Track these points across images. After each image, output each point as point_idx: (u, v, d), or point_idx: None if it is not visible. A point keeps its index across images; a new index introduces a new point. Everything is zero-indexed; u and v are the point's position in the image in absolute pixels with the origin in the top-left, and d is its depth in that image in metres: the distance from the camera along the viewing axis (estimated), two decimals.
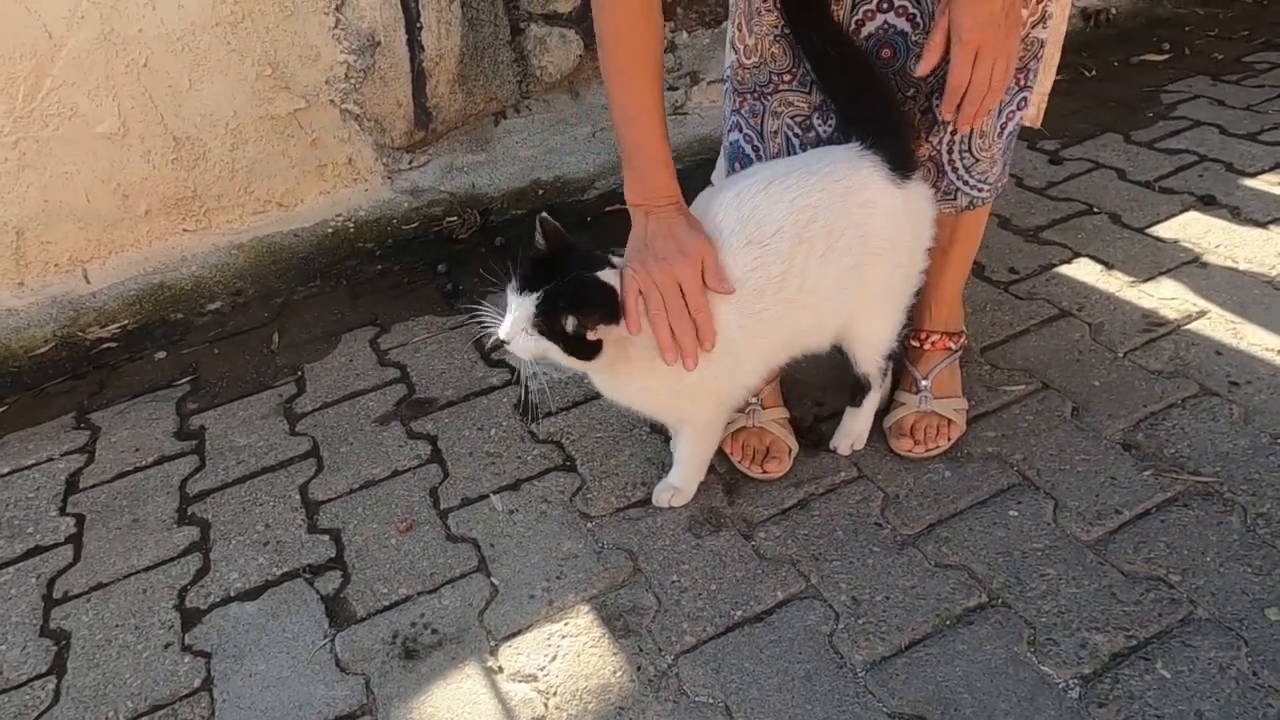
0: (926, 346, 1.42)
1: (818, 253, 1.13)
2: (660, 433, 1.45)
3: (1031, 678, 1.04)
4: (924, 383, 1.39)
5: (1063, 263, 1.76)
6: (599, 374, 1.21)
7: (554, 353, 1.11)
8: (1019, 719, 1.00)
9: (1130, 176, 2.02)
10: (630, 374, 1.18)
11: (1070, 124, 2.26)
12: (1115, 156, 2.12)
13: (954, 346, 1.43)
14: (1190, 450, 1.31)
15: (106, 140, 1.99)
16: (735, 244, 1.13)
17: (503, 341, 1.12)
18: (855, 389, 1.35)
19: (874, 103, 1.18)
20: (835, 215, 1.14)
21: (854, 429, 1.38)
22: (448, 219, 2.22)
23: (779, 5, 1.18)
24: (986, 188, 1.29)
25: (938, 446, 1.35)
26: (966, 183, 1.28)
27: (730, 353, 1.15)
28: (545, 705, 1.09)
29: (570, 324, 1.09)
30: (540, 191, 2.30)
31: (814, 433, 1.44)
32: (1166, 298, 1.62)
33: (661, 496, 1.33)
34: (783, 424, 1.40)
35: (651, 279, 1.11)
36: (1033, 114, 1.35)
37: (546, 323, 1.09)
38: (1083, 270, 1.73)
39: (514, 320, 1.11)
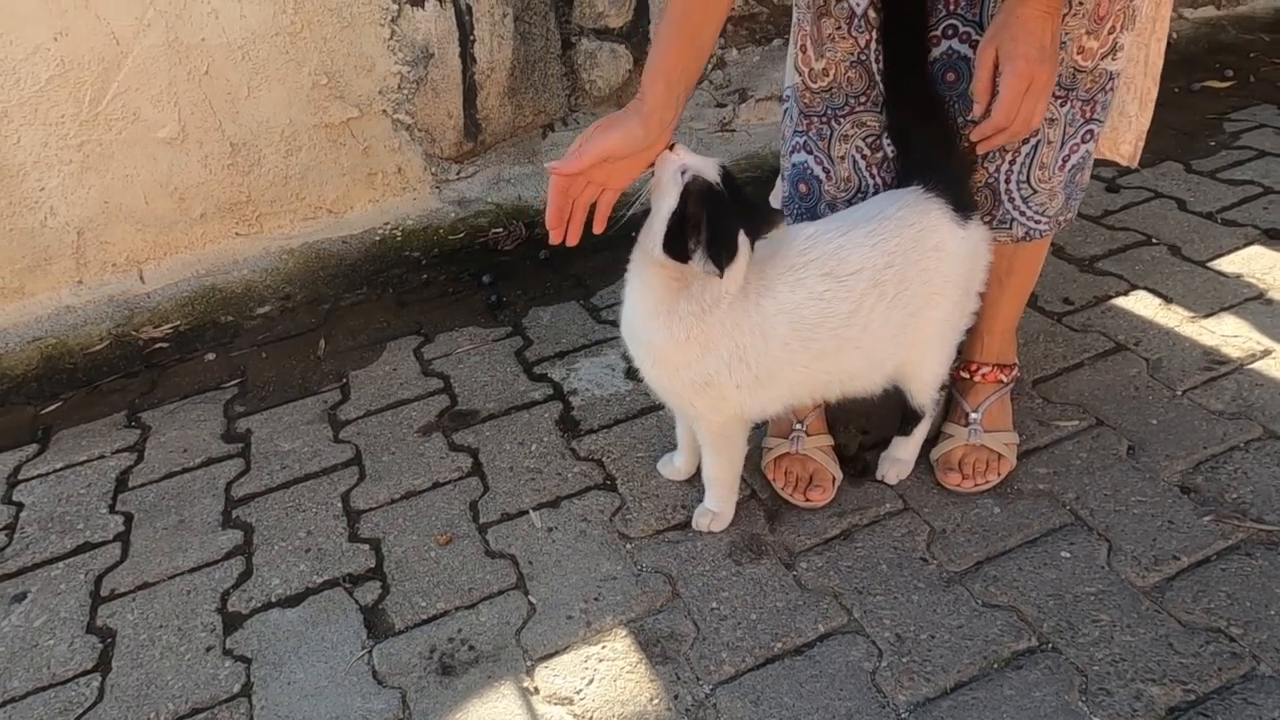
0: (977, 379, 1.39)
1: (887, 297, 1.15)
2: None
3: None
4: (974, 415, 1.36)
5: (1119, 294, 1.71)
6: (631, 297, 1.21)
7: (662, 212, 1.11)
8: None
9: (1191, 207, 1.97)
10: (667, 347, 1.16)
11: None
12: (1175, 186, 2.06)
13: (1005, 379, 1.40)
14: (1253, 496, 1.26)
15: (166, 145, 2.04)
16: (813, 273, 1.14)
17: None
18: (905, 417, 1.33)
19: (938, 145, 1.19)
20: (908, 261, 1.15)
21: (902, 457, 1.36)
22: (494, 230, 2.24)
23: (877, 35, 1.18)
24: (1045, 220, 1.26)
25: (987, 482, 1.32)
26: (1023, 213, 1.25)
27: (764, 364, 1.15)
28: None
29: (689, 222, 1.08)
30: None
31: (858, 461, 1.42)
32: (1229, 335, 1.57)
33: (700, 521, 1.32)
34: (827, 451, 1.38)
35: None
36: (1129, 152, 1.33)
37: (697, 197, 1.08)
38: (1140, 303, 1.69)
39: (675, 160, 1.11)
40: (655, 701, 1.10)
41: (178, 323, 2.04)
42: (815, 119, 1.25)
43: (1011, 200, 1.24)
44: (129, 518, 1.51)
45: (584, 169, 1.10)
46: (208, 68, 2.00)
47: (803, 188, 1.31)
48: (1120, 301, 1.70)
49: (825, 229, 1.18)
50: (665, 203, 1.09)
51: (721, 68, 2.56)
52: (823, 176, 1.28)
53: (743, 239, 1.08)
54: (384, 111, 2.21)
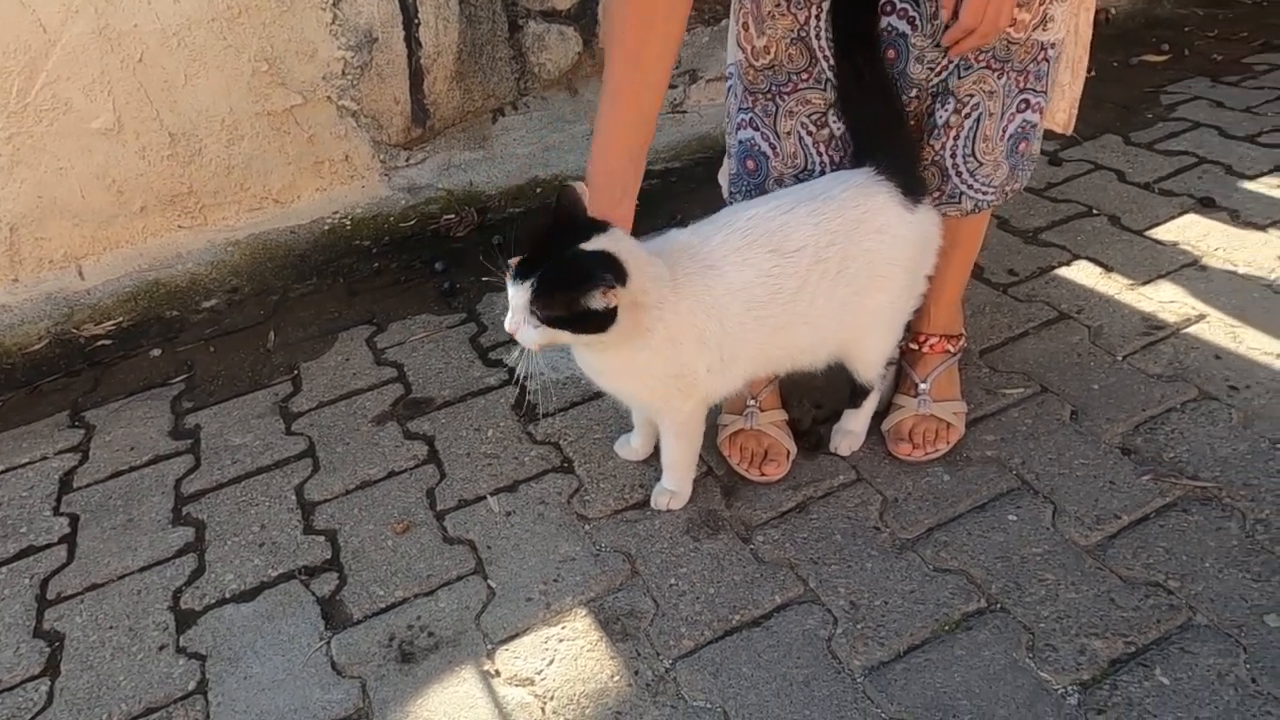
0: (925, 349, 1.41)
1: (830, 274, 1.17)
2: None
3: (1030, 684, 1.04)
4: (923, 386, 1.39)
5: (1062, 265, 1.76)
6: (591, 351, 1.16)
7: (561, 336, 1.08)
8: None
9: (1130, 178, 2.02)
10: (629, 348, 1.13)
11: None
12: (1115, 158, 2.11)
13: (953, 349, 1.42)
14: (1189, 455, 1.30)
15: (101, 136, 1.98)
16: (759, 250, 1.15)
17: (510, 332, 1.09)
18: (855, 391, 1.35)
19: (890, 127, 1.21)
20: (850, 242, 1.17)
21: (853, 429, 1.38)
22: (445, 217, 2.21)
23: (818, 11, 1.18)
24: (992, 191, 1.28)
25: (936, 450, 1.35)
26: (971, 186, 1.27)
27: (725, 345, 1.17)
28: (542, 710, 1.09)
29: (585, 302, 1.04)
30: (539, 189, 2.29)
31: (812, 435, 1.44)
32: (1166, 301, 1.62)
33: (660, 500, 1.33)
34: (781, 426, 1.40)
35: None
36: (1064, 120, 1.35)
37: (545, 307, 1.05)
38: (1082, 272, 1.73)
39: (516, 310, 1.07)
40: (616, 678, 1.11)
41: (120, 319, 1.99)
42: (760, 96, 1.26)
43: (959, 174, 1.26)
44: (75, 519, 1.47)
45: None
46: (141, 55, 1.95)
47: (750, 164, 1.31)
48: (1063, 271, 1.74)
49: (768, 207, 1.19)
50: (547, 332, 1.07)
51: None
52: (770, 153, 1.29)
53: (611, 237, 1.08)
54: (328, 98, 2.17)
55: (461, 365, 1.71)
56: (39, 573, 1.38)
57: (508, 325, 1.09)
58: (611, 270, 1.04)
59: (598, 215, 1.11)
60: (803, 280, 1.16)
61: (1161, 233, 1.81)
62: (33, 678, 1.22)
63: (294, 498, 1.45)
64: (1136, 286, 1.67)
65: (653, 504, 1.33)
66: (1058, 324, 1.60)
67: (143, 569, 1.36)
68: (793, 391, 1.50)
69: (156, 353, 1.89)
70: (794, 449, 1.39)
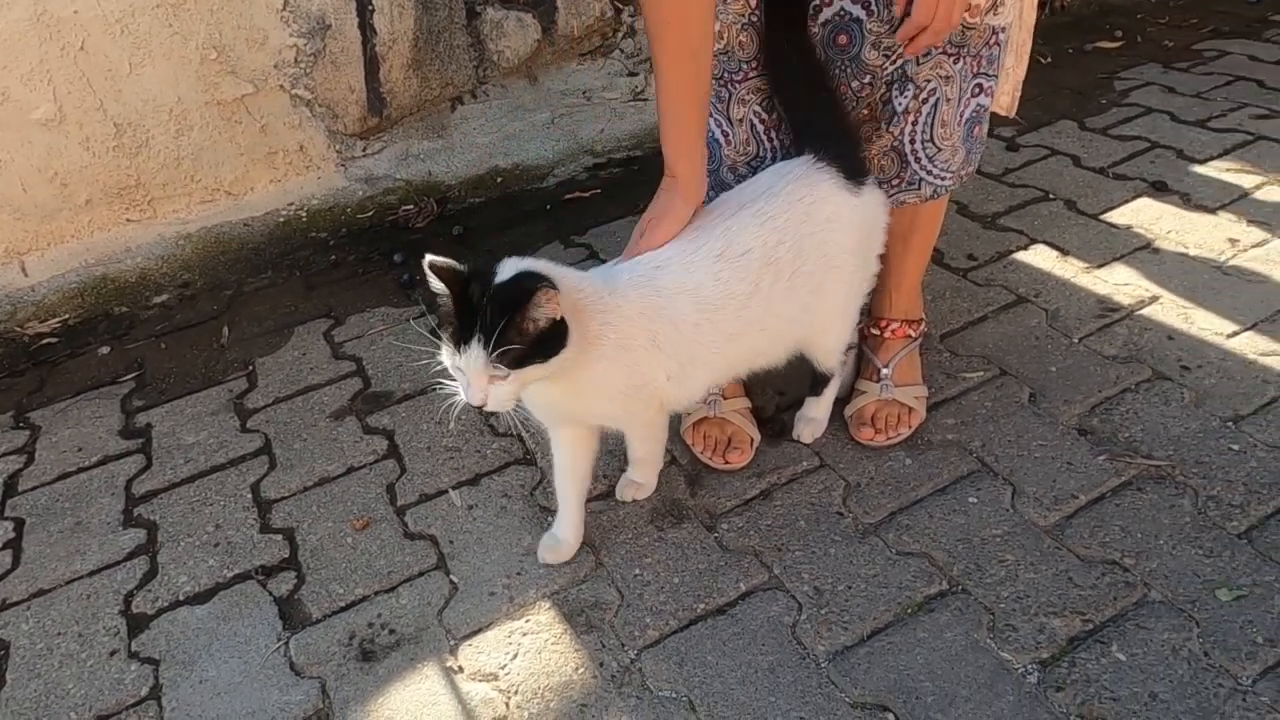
0: (887, 334, 1.42)
1: (784, 277, 1.14)
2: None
3: (991, 664, 1.05)
4: (884, 371, 1.39)
5: (1020, 249, 1.77)
6: (551, 380, 1.05)
7: (532, 374, 1.00)
8: (979, 705, 1.01)
9: (1085, 163, 2.05)
10: (586, 363, 1.06)
11: (1026, 110, 2.25)
12: (1070, 143, 2.14)
13: (914, 334, 1.43)
14: (1144, 434, 1.32)
15: (42, 127, 1.91)
16: (707, 257, 1.12)
17: (478, 407, 1.01)
18: (816, 378, 1.35)
19: (826, 111, 1.19)
20: (800, 237, 1.15)
21: (815, 416, 1.38)
22: (404, 207, 2.18)
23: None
24: (950, 176, 1.29)
25: (899, 434, 1.35)
26: (930, 171, 1.27)
27: (681, 349, 1.13)
28: (507, 704, 1.08)
29: (533, 318, 0.97)
30: (499, 179, 2.26)
31: (776, 422, 1.44)
32: (1120, 283, 1.64)
33: (626, 491, 1.32)
34: (744, 414, 1.40)
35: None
36: (1007, 103, 1.36)
37: (507, 342, 0.96)
38: (1039, 256, 1.75)
39: (475, 378, 0.98)
40: (581, 670, 1.10)
41: (66, 316, 1.93)
42: (714, 82, 1.25)
43: (918, 160, 1.26)
44: (20, 523, 1.42)
45: None
46: (83, 43, 1.88)
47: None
48: (1021, 256, 1.76)
49: (712, 214, 1.16)
50: (514, 382, 1.00)
51: (632, 36, 2.53)
52: (722, 140, 1.28)
53: (512, 262, 1.03)
54: (281, 87, 2.11)
55: (422, 358, 1.68)
56: None
57: (473, 398, 1.00)
58: (538, 278, 0.98)
59: (691, 213, 1.14)
60: (754, 285, 1.13)
61: (1116, 216, 1.84)
62: None
63: (250, 496, 1.42)
64: (1092, 269, 1.69)
65: (618, 494, 1.32)
66: (1016, 307, 1.62)
67: (92, 573, 1.32)
68: (756, 379, 1.49)
69: (105, 350, 1.84)
70: (758, 436, 1.38)
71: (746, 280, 1.13)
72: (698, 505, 1.31)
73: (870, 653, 1.08)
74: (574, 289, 1.04)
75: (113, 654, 1.20)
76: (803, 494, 1.31)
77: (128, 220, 2.08)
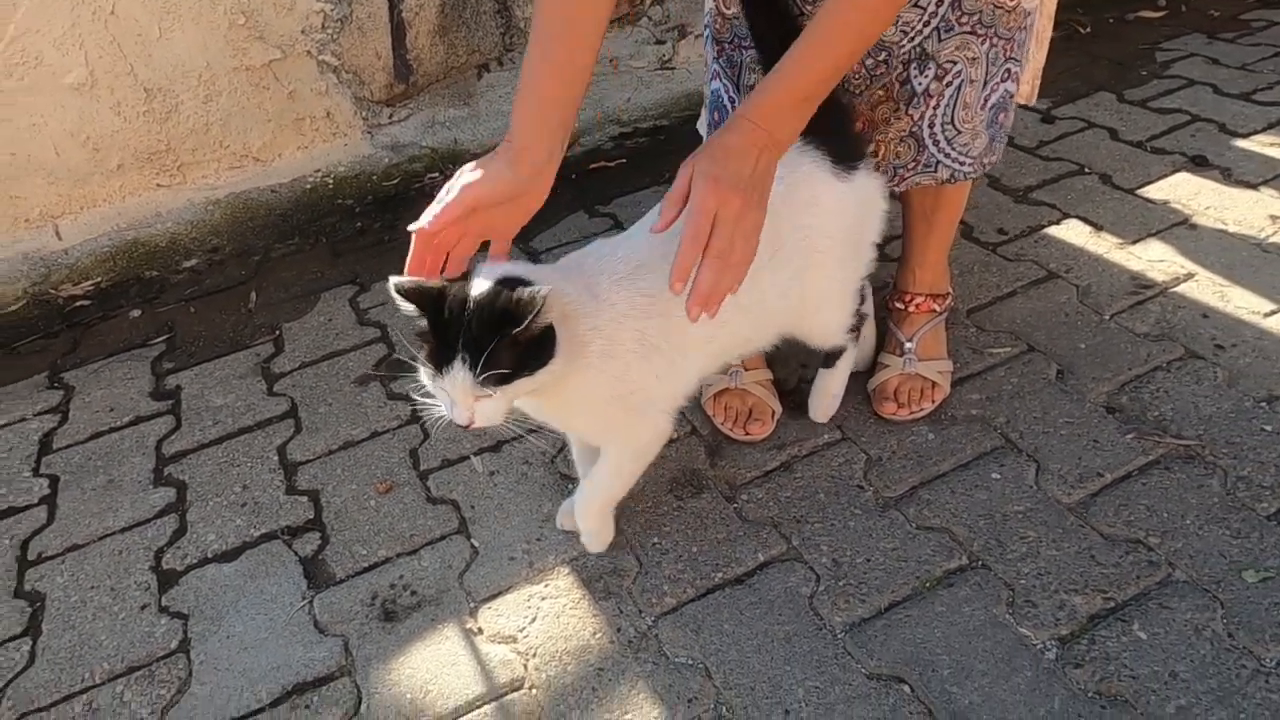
0: (911, 309, 1.40)
1: (763, 261, 1.00)
2: None
3: (1009, 639, 1.05)
4: (908, 345, 1.38)
5: (1052, 224, 1.74)
6: (540, 393, 0.99)
7: (520, 388, 0.94)
8: (996, 679, 1.01)
9: (1122, 136, 2.00)
10: (573, 374, 1.00)
11: (1063, 82, 2.22)
12: (1108, 116, 2.08)
13: (939, 308, 1.41)
14: (1174, 413, 1.30)
15: (74, 91, 1.93)
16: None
17: (464, 426, 0.94)
18: (828, 353, 1.31)
19: None
20: (779, 218, 1.03)
21: (829, 390, 1.34)
22: (429, 175, 2.18)
23: None
24: (969, 161, 1.25)
25: (921, 409, 1.34)
26: (948, 155, 1.24)
27: (667, 343, 1.06)
28: (524, 666, 1.09)
29: (532, 329, 0.90)
30: None
31: (797, 394, 1.43)
32: (1155, 260, 1.60)
33: (564, 519, 1.23)
34: (766, 386, 1.39)
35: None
36: (1026, 91, 1.32)
37: (496, 358, 0.90)
38: (1072, 231, 1.71)
39: (460, 398, 0.92)
40: (598, 635, 1.11)
41: (99, 279, 1.96)
42: (726, 46, 1.23)
43: (936, 143, 1.23)
44: (54, 480, 1.46)
45: (447, 224, 0.98)
46: (113, 7, 1.89)
47: (716, 116, 1.28)
48: (1053, 230, 1.72)
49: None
50: (503, 398, 0.94)
51: (660, 3, 2.49)
52: (729, 107, 1.26)
53: (485, 270, 0.96)
54: (308, 53, 2.11)
55: None
56: (19, 534, 1.37)
57: (459, 418, 0.93)
58: (519, 283, 0.92)
59: (512, 185, 0.99)
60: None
61: (1153, 191, 1.79)
62: (14, 637, 1.21)
63: (276, 458, 1.44)
64: (1126, 245, 1.65)
65: (558, 523, 1.24)
66: (1046, 283, 1.59)
67: (124, 529, 1.35)
68: (778, 351, 1.49)
69: (136, 313, 1.87)
70: (779, 408, 1.38)
71: None
72: (717, 476, 1.31)
73: (887, 625, 1.08)
74: (557, 292, 0.94)
75: (144, 608, 1.23)
76: (823, 467, 1.30)
77: (158, 185, 2.10)
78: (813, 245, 1.13)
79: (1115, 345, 1.43)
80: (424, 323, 0.93)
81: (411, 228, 0.99)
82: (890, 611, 1.10)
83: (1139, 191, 1.80)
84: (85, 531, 1.36)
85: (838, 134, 1.13)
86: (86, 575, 1.29)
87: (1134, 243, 1.66)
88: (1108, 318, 1.49)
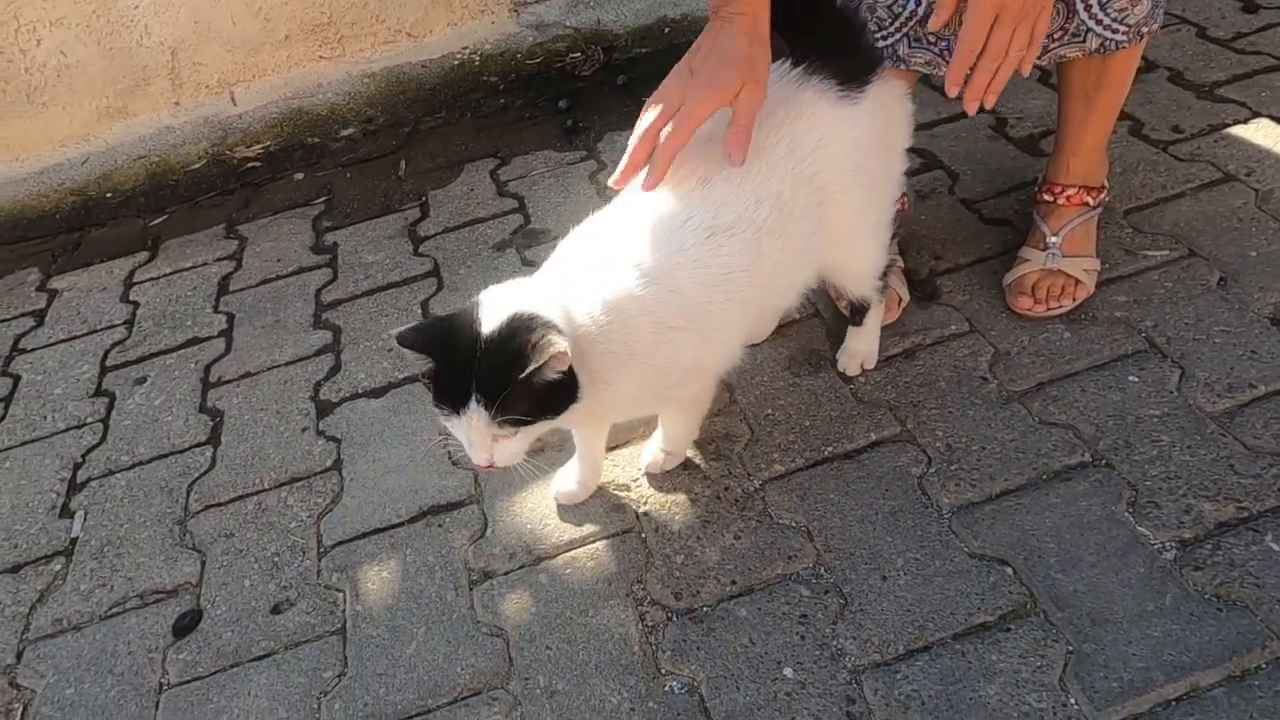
0: (1060, 201, 1.32)
1: (776, 234, 0.99)
2: None
3: (1125, 536, 1.03)
4: (1053, 239, 1.31)
5: (1238, 123, 1.57)
6: (578, 410, 0.94)
7: (542, 429, 0.92)
8: (1105, 572, 1.00)
9: None
10: (611, 387, 0.96)
11: None
12: None
13: (1092, 202, 1.33)
14: None
15: None
16: (696, 237, 0.97)
17: (484, 468, 0.92)
18: (855, 310, 1.24)
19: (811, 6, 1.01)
20: (785, 177, 0.98)
21: (860, 348, 1.27)
22: (571, 55, 2.19)
23: None
24: (1124, 30, 1.13)
25: (1060, 306, 1.28)
26: (1100, 22, 1.12)
27: (703, 324, 1.00)
28: (636, 514, 1.16)
29: (542, 377, 0.86)
30: (667, 29, 2.22)
31: (928, 285, 1.40)
32: None
33: (653, 462, 1.19)
34: (896, 273, 1.36)
35: (664, 91, 0.95)
36: None
37: (515, 401, 0.86)
38: (1259, 132, 1.55)
39: (477, 439, 0.88)
40: (706, 491, 1.17)
41: (268, 143, 2.12)
42: None
43: (1088, 9, 1.11)
44: (231, 317, 1.63)
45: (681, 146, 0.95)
46: None
47: None
48: (1236, 130, 1.56)
49: (680, 176, 0.98)
50: (523, 437, 0.91)
51: None
52: None
53: (491, 301, 0.91)
54: None
55: (580, 200, 1.74)
56: (203, 359, 1.55)
57: (479, 460, 0.90)
58: (539, 322, 0.87)
59: (722, 92, 0.93)
60: (755, 254, 0.98)
61: None
62: (199, 444, 1.39)
63: (420, 311, 1.56)
64: None
65: (644, 467, 1.20)
66: (1220, 186, 1.46)
67: (288, 363, 1.51)
68: (913, 241, 1.45)
69: (299, 176, 2.01)
70: (907, 297, 1.36)
71: (745, 253, 0.98)
72: (836, 356, 1.31)
73: (996, 510, 1.08)
74: (570, 324, 0.90)
75: (304, 430, 1.38)
76: (947, 356, 1.28)
77: (320, 57, 2.22)
78: (824, 192, 1.02)
79: None
80: (436, 365, 0.88)
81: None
82: (1001, 498, 1.09)
83: None
84: (256, 362, 1.52)
85: (841, 50, 1.01)
86: (257, 399, 1.45)
87: None
88: None
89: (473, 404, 0.85)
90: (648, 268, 0.95)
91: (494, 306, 0.90)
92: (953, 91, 0.96)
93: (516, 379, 0.84)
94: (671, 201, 0.98)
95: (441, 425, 0.92)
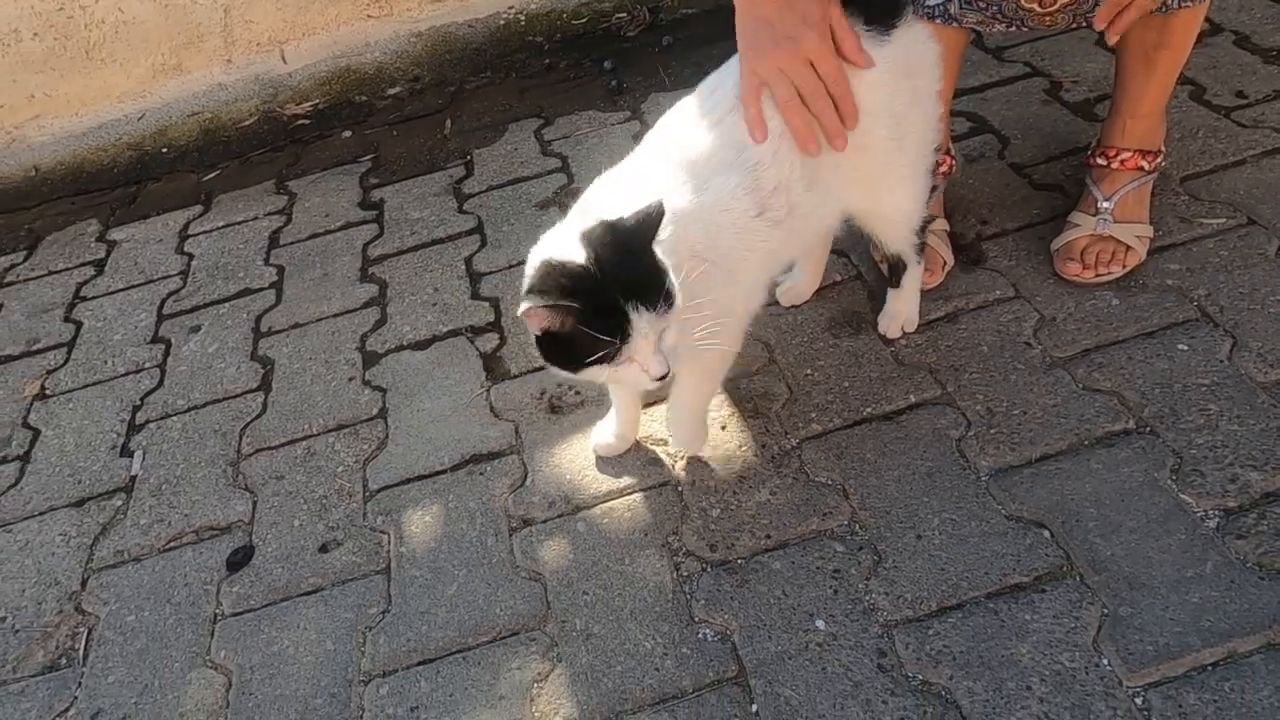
0: (1115, 165, 1.30)
1: (796, 172, 1.00)
2: None
3: (1167, 503, 1.02)
4: (1104, 204, 1.29)
5: None
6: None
7: (678, 311, 0.90)
8: (1145, 538, 0.99)
9: None
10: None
11: None
12: None
13: (1147, 167, 1.30)
14: None
15: None
16: (739, 216, 0.99)
17: (661, 378, 0.91)
18: (892, 269, 1.23)
19: None
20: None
21: (900, 310, 1.26)
22: (617, 15, 2.18)
23: None
24: None
25: (1109, 273, 1.26)
26: None
27: (729, 267, 1.01)
28: (673, 466, 1.18)
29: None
30: None
31: (973, 250, 1.38)
32: None
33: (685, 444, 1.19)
34: (941, 236, 1.35)
35: (775, 65, 0.97)
36: None
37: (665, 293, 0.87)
38: None
39: (650, 349, 0.88)
40: (744, 448, 1.18)
41: (317, 101, 2.15)
42: None
43: None
44: (281, 269, 1.67)
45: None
46: None
47: None
48: None
49: (715, 113, 1.02)
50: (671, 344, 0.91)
51: None
52: None
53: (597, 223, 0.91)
54: None
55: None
56: (254, 310, 1.59)
57: (656, 371, 0.89)
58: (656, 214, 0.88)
59: (821, 30, 0.96)
60: (773, 187, 0.99)
61: None
62: (251, 390, 1.44)
63: (463, 267, 1.58)
64: None
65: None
66: None
67: (336, 315, 1.55)
68: (959, 205, 1.43)
69: (347, 134, 2.04)
70: (951, 260, 1.34)
71: (782, 207, 1.00)
72: (877, 320, 1.31)
73: (1035, 474, 1.08)
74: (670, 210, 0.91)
75: (350, 380, 1.42)
76: (990, 321, 1.27)
77: (368, 16, 2.23)
78: (859, 136, 1.02)
79: None
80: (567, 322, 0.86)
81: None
82: (1041, 463, 1.09)
83: None
84: (305, 313, 1.56)
85: None
86: (306, 348, 1.49)
87: None
88: None
89: (634, 314, 0.85)
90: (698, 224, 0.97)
91: (577, 240, 0.90)
92: (1100, 26, 1.05)
93: (655, 256, 0.87)
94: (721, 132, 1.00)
95: (593, 377, 0.92)
